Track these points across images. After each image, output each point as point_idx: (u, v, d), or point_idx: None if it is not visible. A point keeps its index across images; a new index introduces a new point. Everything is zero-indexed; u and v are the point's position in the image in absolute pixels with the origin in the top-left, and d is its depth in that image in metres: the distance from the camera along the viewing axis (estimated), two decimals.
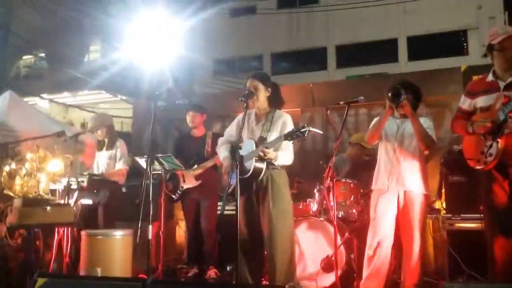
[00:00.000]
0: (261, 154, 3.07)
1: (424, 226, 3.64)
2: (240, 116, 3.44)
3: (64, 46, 16.30)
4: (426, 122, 3.63)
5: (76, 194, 4.17)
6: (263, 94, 3.33)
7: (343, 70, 18.62)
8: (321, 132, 3.41)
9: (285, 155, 3.24)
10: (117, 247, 3.48)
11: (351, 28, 18.28)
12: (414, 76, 5.78)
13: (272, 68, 19.85)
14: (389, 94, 3.50)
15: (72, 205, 4.05)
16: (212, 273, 4.57)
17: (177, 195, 4.78)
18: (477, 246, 3.64)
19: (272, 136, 3.23)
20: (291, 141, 3.06)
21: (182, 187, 4.73)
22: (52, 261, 3.75)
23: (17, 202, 3.34)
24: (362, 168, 4.80)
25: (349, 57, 18.83)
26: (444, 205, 4.42)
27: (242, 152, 3.26)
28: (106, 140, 4.78)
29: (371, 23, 17.92)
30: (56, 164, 3.63)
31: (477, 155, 3.21)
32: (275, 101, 3.41)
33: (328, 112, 5.85)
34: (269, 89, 3.35)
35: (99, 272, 3.35)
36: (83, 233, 3.56)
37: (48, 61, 18.24)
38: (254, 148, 3.19)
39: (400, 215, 3.63)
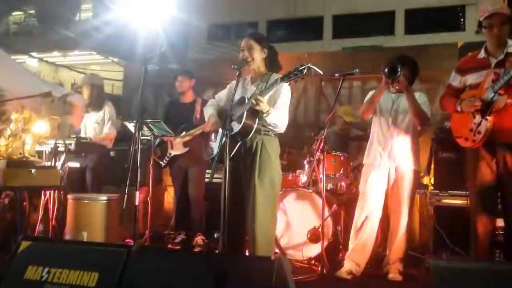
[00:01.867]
0: (253, 102, 2.85)
1: (412, 202, 3.65)
2: (233, 82, 3.34)
3: (55, 4, 15.82)
4: (421, 98, 3.59)
5: (63, 156, 4.10)
6: (258, 55, 3.18)
7: (339, 40, 18.33)
8: (321, 73, 3.27)
9: (278, 114, 3.04)
10: (103, 212, 3.44)
11: None
12: (409, 50, 5.70)
13: (267, 36, 19.39)
14: (386, 70, 3.43)
15: (59, 168, 3.99)
16: (199, 239, 4.58)
17: (165, 162, 4.74)
18: (463, 222, 3.64)
19: (266, 97, 3.09)
20: (288, 82, 2.88)
21: (170, 153, 4.68)
22: (38, 224, 3.71)
23: (1, 163, 3.27)
24: (352, 140, 4.79)
25: (346, 28, 18.51)
26: (432, 181, 4.43)
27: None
28: (92, 100, 4.66)
29: None
30: (42, 126, 3.54)
31: (465, 133, 3.18)
32: (272, 64, 3.26)
33: (322, 83, 5.78)
34: (265, 50, 3.22)
35: (85, 236, 3.32)
36: (69, 196, 3.52)
37: (38, 19, 17.75)
38: (246, 101, 3.01)
39: (389, 190, 3.63)
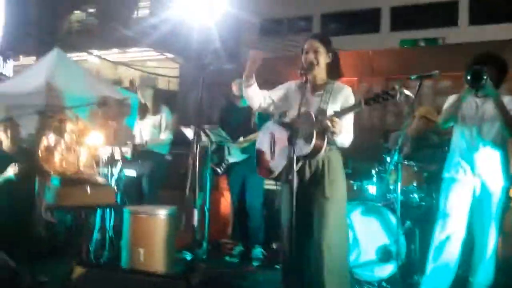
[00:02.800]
0: (328, 124, 2.58)
1: (501, 222, 3.21)
2: (291, 83, 3.05)
3: (114, 2, 16.15)
4: (511, 103, 3.13)
5: (119, 164, 3.96)
6: (323, 60, 2.88)
7: (397, 33, 17.58)
8: (413, 96, 2.94)
9: (347, 134, 2.81)
10: (161, 227, 3.25)
11: None
12: (491, 45, 5.21)
13: (322, 30, 19.05)
14: (468, 77, 3.00)
15: (115, 176, 3.86)
16: (258, 252, 4.35)
17: (222, 169, 4.50)
18: None
19: (332, 109, 2.77)
20: (358, 110, 2.58)
21: (227, 160, 4.44)
22: (93, 243, 3.57)
23: (55, 181, 3.14)
24: (427, 147, 4.34)
25: (404, 20, 17.72)
26: None
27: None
28: (150, 105, 4.53)
29: None
30: (97, 137, 3.40)
31: None
32: (334, 72, 2.94)
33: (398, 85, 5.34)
34: (330, 54, 2.91)
35: (141, 253, 3.15)
36: (126, 210, 3.36)
37: (97, 17, 18.21)
38: (314, 120, 2.73)
39: (474, 209, 3.21)
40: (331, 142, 2.82)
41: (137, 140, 4.51)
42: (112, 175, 3.85)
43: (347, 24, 18.58)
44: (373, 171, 4.10)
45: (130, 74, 19.17)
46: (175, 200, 5.34)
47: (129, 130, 4.54)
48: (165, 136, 4.47)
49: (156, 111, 4.52)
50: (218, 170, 4.52)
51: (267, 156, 3.01)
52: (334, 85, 2.89)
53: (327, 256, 2.72)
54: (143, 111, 4.64)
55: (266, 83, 5.85)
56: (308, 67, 2.82)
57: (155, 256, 3.19)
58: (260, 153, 3.09)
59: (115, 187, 3.82)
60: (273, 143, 2.99)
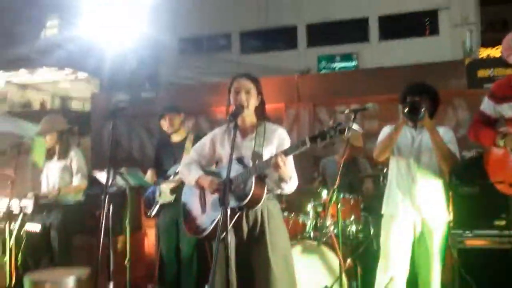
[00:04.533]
0: (277, 163, 2.28)
1: (443, 257, 3.08)
2: (215, 131, 2.74)
3: (19, 22, 15.02)
4: (447, 135, 3.03)
5: (19, 219, 3.38)
6: (253, 102, 2.61)
7: (314, 49, 18.09)
8: (361, 131, 2.72)
9: (294, 178, 2.53)
10: None
11: (321, 7, 17.73)
12: (411, 69, 5.25)
13: (241, 47, 19.16)
14: (405, 110, 2.86)
15: (14, 234, 3.28)
16: None
17: (153, 211, 4.03)
18: (494, 267, 3.30)
19: (267, 153, 2.52)
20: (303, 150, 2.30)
21: (157, 201, 3.99)
22: None
23: None
24: (356, 172, 4.22)
25: (320, 36, 18.32)
26: (452, 218, 3.88)
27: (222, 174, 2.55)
28: (57, 148, 3.97)
29: (342, 1, 17.41)
30: None
31: (510, 177, 2.66)
32: (262, 113, 2.69)
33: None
34: (259, 97, 2.65)
35: None
36: (26, 279, 2.80)
37: (1, 37, 16.84)
38: (250, 165, 2.46)
39: (416, 245, 3.06)
40: (270, 189, 2.54)
41: (44, 188, 3.91)
42: (10, 233, 3.27)
43: (266, 41, 18.79)
44: (309, 206, 3.87)
45: (40, 96, 17.86)
46: (93, 247, 4.82)
47: (30, 178, 3.95)
48: (77, 181, 3.93)
49: (64, 155, 3.96)
50: (149, 212, 4.07)
51: (196, 210, 2.64)
52: (265, 127, 2.61)
53: None
54: (48, 154, 4.08)
55: (189, 112, 5.51)
56: (238, 109, 2.52)
57: None
58: (187, 207, 2.73)
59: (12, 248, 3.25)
60: (203, 195, 2.64)
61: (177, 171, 3.69)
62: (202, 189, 2.63)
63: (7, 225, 3.31)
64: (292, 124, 5.28)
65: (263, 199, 2.46)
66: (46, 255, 3.70)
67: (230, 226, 2.47)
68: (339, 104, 5.03)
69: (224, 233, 2.24)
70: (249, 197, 2.40)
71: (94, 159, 5.97)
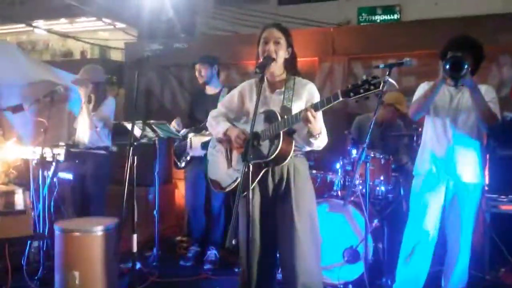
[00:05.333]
0: (306, 117, 2.17)
1: (476, 224, 2.97)
2: (244, 85, 2.64)
3: None
4: (488, 93, 2.84)
5: (52, 167, 3.44)
6: (282, 54, 2.48)
7: (354, 1, 17.27)
8: (397, 86, 2.60)
9: (323, 134, 2.39)
10: (99, 246, 2.77)
11: None
12: (456, 22, 4.92)
13: None
14: (446, 67, 2.66)
15: (47, 182, 3.37)
16: (211, 254, 4.02)
17: (183, 163, 4.05)
18: None
19: (297, 107, 2.41)
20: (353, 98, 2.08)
21: (188, 153, 3.99)
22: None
23: None
24: (394, 137, 4.05)
25: None
26: (486, 183, 3.73)
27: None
28: (92, 98, 3.94)
29: None
30: (10, 151, 2.85)
31: None
32: (293, 67, 2.55)
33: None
34: (290, 49, 2.52)
35: (76, 277, 2.71)
36: (56, 227, 2.88)
37: None
38: (279, 119, 2.34)
39: (448, 209, 2.95)
40: (299, 146, 2.46)
41: (79, 136, 3.97)
42: (44, 180, 3.35)
43: None
44: (338, 165, 3.78)
45: (80, 45, 18.05)
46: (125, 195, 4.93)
47: (65, 126, 3.99)
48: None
49: (99, 104, 3.95)
50: (179, 163, 4.10)
51: (222, 164, 2.61)
52: (295, 81, 2.50)
53: (301, 276, 2.39)
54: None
55: (222, 65, 5.43)
56: (266, 61, 2.41)
57: (93, 279, 2.76)
58: (212, 162, 2.70)
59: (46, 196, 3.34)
60: (229, 149, 2.59)
61: (202, 125, 3.67)
62: (229, 142, 2.58)
63: (40, 173, 3.37)
64: (325, 79, 5.09)
65: (290, 156, 2.38)
66: (78, 204, 3.79)
67: (255, 182, 2.44)
68: (375, 59, 4.79)
69: (247, 190, 2.20)
70: (276, 152, 2.32)
71: (127, 109, 6.01)
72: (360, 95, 2.07)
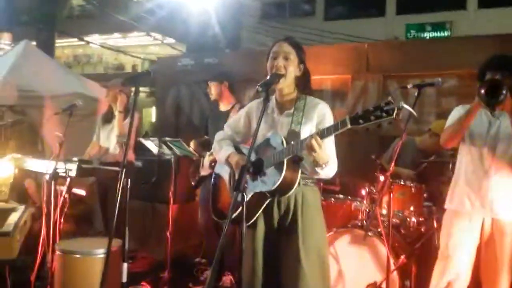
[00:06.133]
0: (311, 145, 1.97)
1: None
2: (252, 104, 2.44)
3: None
4: None
5: (67, 182, 3.36)
6: (293, 70, 2.26)
7: (403, 17, 16.88)
8: (415, 114, 2.36)
9: (332, 163, 2.17)
10: (99, 269, 2.65)
11: None
12: (503, 40, 4.53)
13: (325, 13, 18.44)
14: (481, 91, 2.35)
15: (63, 195, 3.29)
16: (227, 280, 3.82)
17: (195, 181, 3.93)
18: None
19: (306, 131, 2.20)
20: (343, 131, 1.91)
21: (199, 173, 3.86)
22: None
23: None
24: (433, 166, 3.70)
25: (410, 3, 16.98)
26: None
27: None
28: (121, 109, 3.92)
29: None
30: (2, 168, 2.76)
31: None
32: (305, 86, 2.33)
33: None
34: (301, 66, 2.31)
35: None
36: (57, 248, 2.75)
37: (98, 1, 17.67)
38: (284, 146, 2.14)
39: (483, 248, 2.61)
40: (308, 175, 2.23)
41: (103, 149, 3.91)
42: (56, 196, 3.27)
43: (352, 7, 17.86)
44: (364, 191, 3.50)
45: (132, 59, 18.64)
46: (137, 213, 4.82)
47: (84, 140, 3.94)
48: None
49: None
50: (192, 182, 3.98)
51: (224, 191, 2.42)
52: (306, 101, 2.28)
53: None
54: (106, 117, 4.11)
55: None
56: (273, 78, 2.20)
57: None
58: (216, 187, 2.52)
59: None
60: (233, 174, 2.40)
61: None
62: (232, 169, 2.39)
63: (52, 187, 3.29)
64: (358, 98, 4.81)
65: (296, 185, 2.16)
66: (88, 221, 3.70)
67: (259, 212, 2.24)
68: (412, 77, 4.48)
69: (241, 222, 2.01)
70: (278, 182, 2.11)
71: (157, 123, 5.97)
72: (370, 123, 1.82)
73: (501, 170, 2.55)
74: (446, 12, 16.48)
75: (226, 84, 3.88)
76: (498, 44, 4.35)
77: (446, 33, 16.60)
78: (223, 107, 3.92)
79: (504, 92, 2.29)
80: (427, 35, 16.80)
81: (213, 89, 3.89)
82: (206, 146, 3.76)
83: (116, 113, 3.95)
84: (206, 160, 3.72)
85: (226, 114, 3.80)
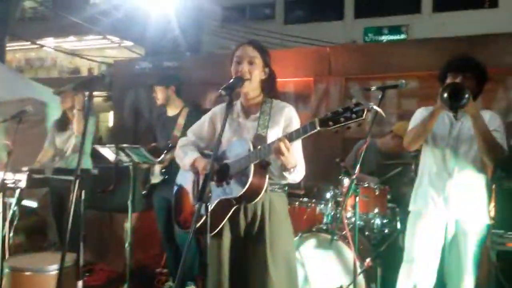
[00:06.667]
0: (279, 148, 1.90)
1: (481, 264, 2.63)
2: (215, 109, 2.36)
3: None
4: (493, 121, 2.52)
5: (16, 194, 3.16)
6: (258, 74, 2.20)
7: (361, 20, 17.22)
8: (384, 115, 2.32)
9: (300, 167, 2.11)
10: (53, 287, 2.47)
11: None
12: (459, 42, 4.63)
13: (285, 17, 18.59)
14: (444, 95, 2.34)
15: (10, 209, 3.08)
16: None
17: (145, 190, 3.76)
18: None
19: (273, 135, 2.13)
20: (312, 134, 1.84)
21: (149, 181, 3.70)
22: None
23: None
24: (395, 167, 3.70)
25: (368, 7, 17.37)
26: (493, 217, 3.38)
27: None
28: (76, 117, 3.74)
29: None
30: None
31: None
32: (270, 89, 2.27)
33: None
34: (267, 69, 2.24)
35: None
36: (6, 265, 2.56)
37: (53, 4, 17.12)
38: (251, 149, 2.06)
39: (447, 250, 2.61)
40: (275, 180, 2.16)
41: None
42: (4, 208, 3.06)
43: (311, 11, 18.07)
44: (328, 195, 3.46)
45: (88, 62, 18.16)
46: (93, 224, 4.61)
47: (34, 148, 3.74)
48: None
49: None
50: (143, 191, 3.81)
51: (187, 199, 2.31)
52: (272, 104, 2.21)
53: None
54: (64, 122, 3.92)
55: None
56: (236, 82, 2.12)
57: None
58: (181, 192, 2.40)
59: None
60: (197, 181, 2.29)
61: (169, 145, 3.42)
62: (197, 175, 2.28)
63: (0, 200, 3.08)
64: (320, 100, 4.79)
65: (263, 191, 2.08)
66: (41, 233, 3.49)
67: (225, 220, 2.14)
68: (373, 79, 4.50)
69: (205, 233, 1.91)
70: (245, 188, 2.02)
71: (114, 128, 5.77)
72: (340, 125, 1.77)
73: (464, 171, 2.55)
74: (403, 15, 16.93)
75: (173, 88, 3.72)
76: (454, 46, 4.43)
77: (402, 36, 17.05)
78: (171, 112, 3.76)
79: (467, 96, 2.28)
80: (384, 38, 17.21)
81: (160, 94, 3.70)
82: (155, 153, 3.60)
83: (75, 111, 3.75)
84: (157, 168, 3.57)
85: (175, 119, 3.68)
